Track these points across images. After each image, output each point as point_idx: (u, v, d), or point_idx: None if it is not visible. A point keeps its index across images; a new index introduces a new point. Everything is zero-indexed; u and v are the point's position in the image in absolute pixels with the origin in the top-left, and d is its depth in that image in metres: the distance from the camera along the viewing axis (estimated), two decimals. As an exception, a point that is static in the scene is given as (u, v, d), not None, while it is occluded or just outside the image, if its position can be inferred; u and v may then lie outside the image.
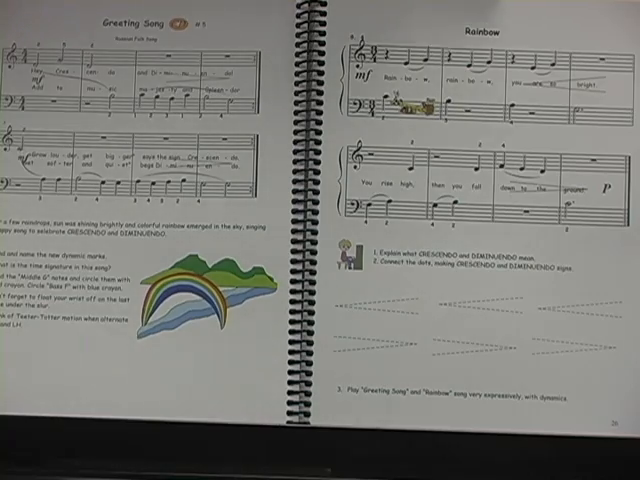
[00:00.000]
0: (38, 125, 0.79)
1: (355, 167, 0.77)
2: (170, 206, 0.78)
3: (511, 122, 0.77)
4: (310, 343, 0.76)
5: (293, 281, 0.77)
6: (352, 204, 0.77)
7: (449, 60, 0.78)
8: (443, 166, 0.77)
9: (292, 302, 0.76)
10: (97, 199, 0.79)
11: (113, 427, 0.74)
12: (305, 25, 0.78)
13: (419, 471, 0.72)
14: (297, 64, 0.78)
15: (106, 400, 0.76)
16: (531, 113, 0.77)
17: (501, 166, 0.77)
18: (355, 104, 0.78)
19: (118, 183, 0.79)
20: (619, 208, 0.76)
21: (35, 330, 0.77)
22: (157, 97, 0.79)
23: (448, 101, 0.77)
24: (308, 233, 0.77)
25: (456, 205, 0.77)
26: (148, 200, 0.78)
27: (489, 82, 0.77)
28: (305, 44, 0.78)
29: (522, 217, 0.76)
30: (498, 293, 0.76)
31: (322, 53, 0.78)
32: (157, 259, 0.78)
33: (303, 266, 0.77)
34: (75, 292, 0.78)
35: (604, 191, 0.76)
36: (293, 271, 0.77)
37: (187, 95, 0.79)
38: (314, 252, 0.77)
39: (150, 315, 0.77)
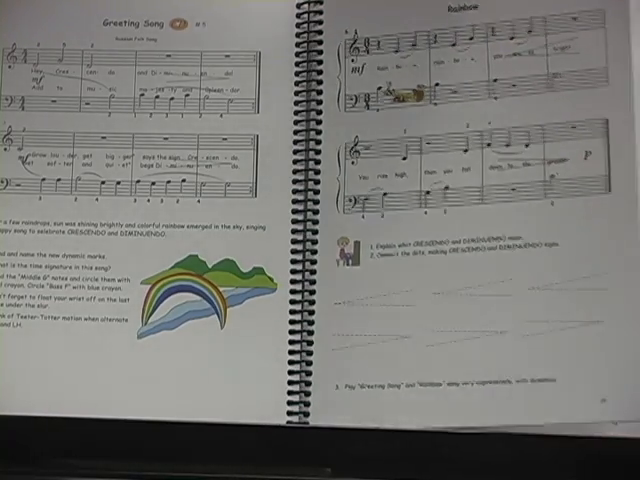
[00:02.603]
0: (38, 125, 0.79)
1: (353, 163, 0.77)
2: (170, 206, 0.78)
3: (495, 98, 0.76)
4: (310, 343, 0.76)
5: (293, 281, 0.76)
6: (350, 200, 0.77)
7: (435, 42, 0.77)
8: (434, 152, 0.76)
9: (292, 302, 0.76)
10: (97, 199, 0.79)
11: (113, 427, 0.74)
12: (305, 25, 0.78)
13: (418, 471, 0.71)
14: (297, 64, 0.78)
15: (106, 400, 0.76)
16: (513, 85, 0.76)
17: (488, 145, 0.75)
18: (352, 99, 0.77)
19: (118, 183, 0.79)
20: (600, 175, 0.74)
21: (35, 330, 0.77)
22: (157, 97, 0.79)
23: (436, 85, 0.77)
24: (308, 233, 0.77)
25: (447, 191, 0.75)
26: (148, 200, 0.78)
27: (473, 59, 0.77)
28: (305, 44, 0.78)
29: (509, 195, 0.75)
30: (488, 277, 0.74)
31: (321, 52, 0.78)
32: (157, 259, 0.78)
33: (303, 266, 0.76)
34: (75, 292, 0.78)
35: (585, 158, 0.74)
36: (293, 271, 0.76)
37: (187, 95, 0.79)
38: (314, 252, 0.76)
39: (150, 315, 0.77)
